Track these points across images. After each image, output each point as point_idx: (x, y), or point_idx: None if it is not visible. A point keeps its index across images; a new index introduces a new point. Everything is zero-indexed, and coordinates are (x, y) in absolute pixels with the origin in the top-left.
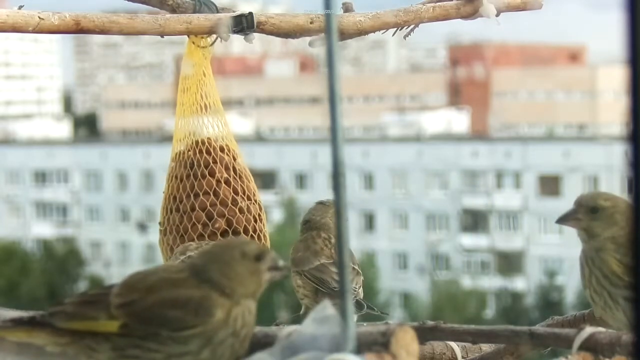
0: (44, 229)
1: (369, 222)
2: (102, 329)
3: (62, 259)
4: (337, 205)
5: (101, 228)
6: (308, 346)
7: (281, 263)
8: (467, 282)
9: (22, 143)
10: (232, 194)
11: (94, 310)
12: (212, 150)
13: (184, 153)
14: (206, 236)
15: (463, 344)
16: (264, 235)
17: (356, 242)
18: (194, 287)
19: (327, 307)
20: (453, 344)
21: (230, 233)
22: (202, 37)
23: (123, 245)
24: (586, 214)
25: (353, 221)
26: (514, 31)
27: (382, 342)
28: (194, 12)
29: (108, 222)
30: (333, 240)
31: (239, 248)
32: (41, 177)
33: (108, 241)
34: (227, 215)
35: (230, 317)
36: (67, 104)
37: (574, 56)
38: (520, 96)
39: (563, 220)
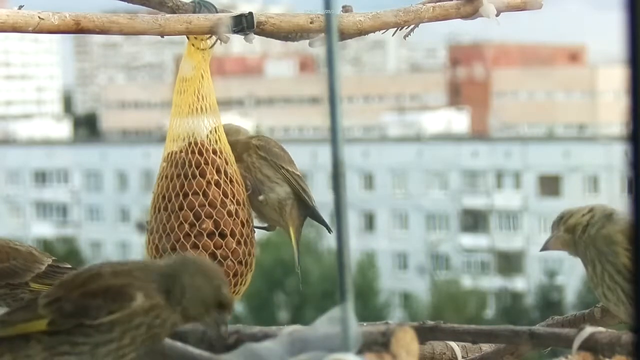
0: (44, 229)
1: (369, 222)
2: (32, 329)
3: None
4: (337, 205)
5: (101, 228)
6: (319, 343)
7: (223, 329)
8: (467, 282)
9: (22, 143)
10: (221, 196)
11: (25, 313)
12: (204, 152)
13: (176, 153)
14: (192, 236)
15: (463, 343)
16: (251, 241)
17: (356, 242)
18: (124, 277)
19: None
20: (453, 344)
21: (217, 235)
22: (202, 39)
23: (123, 245)
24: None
25: (353, 221)
26: (514, 31)
27: (382, 342)
28: (193, 13)
29: (108, 222)
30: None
31: (220, 282)
32: (41, 177)
33: (108, 241)
34: (215, 216)
35: (152, 312)
36: (67, 104)
37: (574, 56)
38: (520, 96)
39: (545, 248)
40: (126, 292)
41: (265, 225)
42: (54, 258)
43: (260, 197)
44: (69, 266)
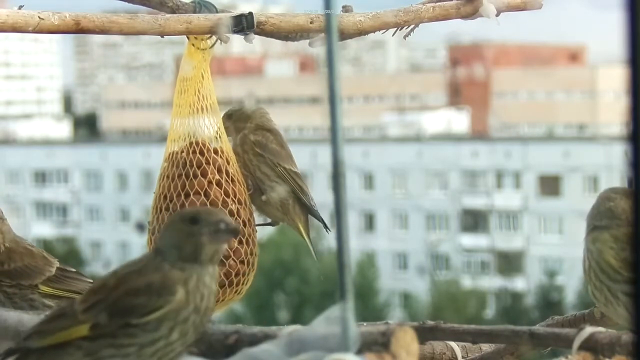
0: (44, 229)
1: (369, 222)
2: (74, 336)
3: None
4: (337, 205)
5: (101, 228)
6: (318, 343)
7: (223, 225)
8: (467, 282)
9: (22, 143)
10: (222, 195)
11: (63, 322)
12: (205, 152)
13: (177, 153)
14: None
15: (463, 344)
16: (253, 240)
17: (356, 242)
18: (153, 271)
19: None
20: (453, 344)
21: None
22: (202, 39)
23: (123, 245)
24: None
25: (353, 221)
26: (514, 31)
27: (382, 342)
28: (194, 13)
29: (108, 222)
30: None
31: (178, 213)
32: (41, 177)
33: (108, 241)
34: None
35: (190, 293)
36: (67, 104)
37: (574, 56)
38: (520, 96)
39: None
40: (168, 286)
41: (269, 221)
42: (58, 260)
43: (263, 197)
44: (74, 270)
